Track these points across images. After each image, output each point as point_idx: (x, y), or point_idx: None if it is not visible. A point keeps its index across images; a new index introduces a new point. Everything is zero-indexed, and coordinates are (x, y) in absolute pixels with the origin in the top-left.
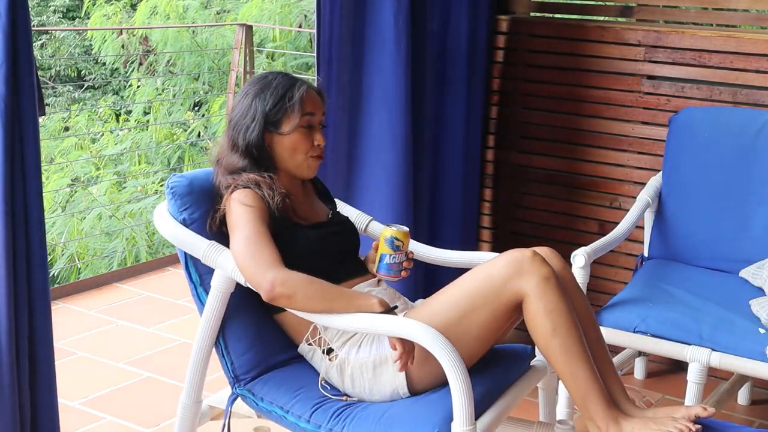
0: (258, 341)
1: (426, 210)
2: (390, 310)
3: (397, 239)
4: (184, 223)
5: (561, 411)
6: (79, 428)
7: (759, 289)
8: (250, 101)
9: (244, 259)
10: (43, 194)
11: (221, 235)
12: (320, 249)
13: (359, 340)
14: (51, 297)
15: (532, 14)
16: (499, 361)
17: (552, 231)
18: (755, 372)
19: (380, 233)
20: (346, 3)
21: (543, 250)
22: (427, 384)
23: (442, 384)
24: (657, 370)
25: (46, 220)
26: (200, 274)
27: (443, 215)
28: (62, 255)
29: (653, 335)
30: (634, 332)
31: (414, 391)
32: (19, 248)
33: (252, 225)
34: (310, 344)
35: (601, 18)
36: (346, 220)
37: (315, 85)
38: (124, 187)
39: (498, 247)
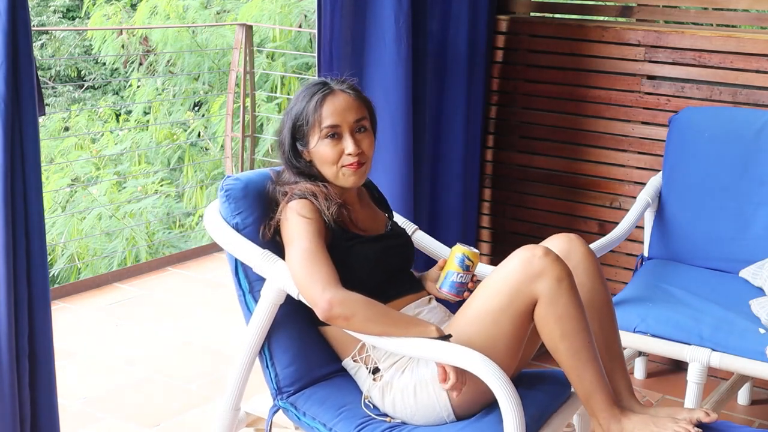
0: (303, 354)
1: (426, 210)
2: (445, 338)
3: (468, 259)
4: (237, 227)
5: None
6: (79, 428)
7: (759, 289)
8: (284, 119)
9: (301, 274)
10: (43, 194)
11: (273, 244)
12: (379, 264)
13: (404, 365)
14: (51, 297)
15: (532, 14)
16: (542, 388)
17: (552, 231)
18: (755, 372)
19: (451, 250)
20: (347, 3)
21: (569, 237)
22: (471, 407)
23: (485, 404)
24: (657, 370)
25: (46, 220)
26: (250, 282)
27: (443, 215)
28: (62, 255)
29: (653, 335)
30: (634, 332)
31: (458, 413)
32: (19, 248)
33: (309, 238)
34: (356, 361)
35: (601, 18)
36: (403, 233)
37: (346, 86)
38: (124, 187)
39: (498, 247)
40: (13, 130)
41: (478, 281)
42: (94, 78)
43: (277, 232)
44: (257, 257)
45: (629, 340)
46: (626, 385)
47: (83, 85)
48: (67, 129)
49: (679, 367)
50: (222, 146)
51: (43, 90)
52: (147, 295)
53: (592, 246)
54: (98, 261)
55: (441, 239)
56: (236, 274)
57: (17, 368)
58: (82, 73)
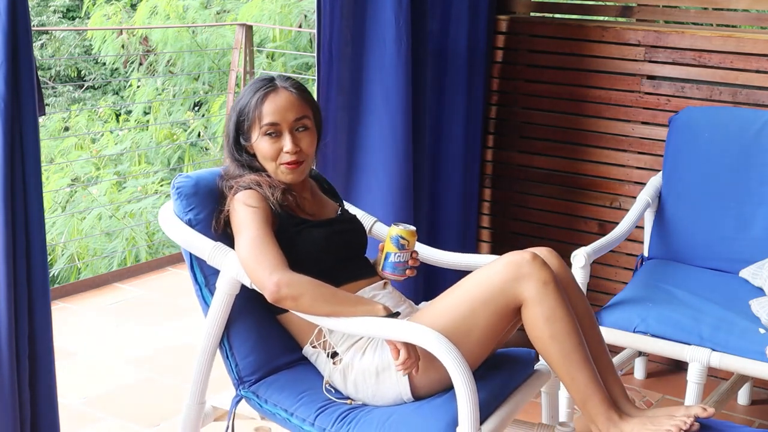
0: (262, 343)
1: (426, 210)
2: (393, 315)
3: (402, 238)
4: (190, 223)
5: (562, 412)
6: (79, 428)
7: (759, 289)
8: (231, 113)
9: (249, 260)
10: (43, 194)
11: (226, 236)
12: (327, 247)
13: (364, 346)
14: (51, 297)
15: (532, 14)
16: (503, 366)
17: (552, 231)
18: (755, 372)
19: (387, 232)
20: (347, 3)
21: (541, 251)
22: (430, 389)
23: (446, 389)
24: (657, 370)
25: (46, 220)
26: (205, 275)
27: (443, 215)
28: (62, 255)
29: (653, 335)
30: (634, 332)
31: (418, 397)
32: (19, 248)
33: (256, 226)
34: (314, 347)
35: (601, 18)
36: (354, 218)
37: (290, 84)
38: (124, 187)
39: (498, 247)
40: (13, 130)
41: (418, 259)
42: (94, 78)
43: (228, 224)
44: (209, 250)
45: (629, 340)
46: (621, 390)
47: (83, 85)
48: (67, 129)
49: (679, 367)
50: (222, 146)
51: (43, 90)
52: (147, 295)
53: (592, 246)
54: (98, 261)
55: (441, 239)
56: (192, 268)
57: (17, 368)
58: (82, 73)
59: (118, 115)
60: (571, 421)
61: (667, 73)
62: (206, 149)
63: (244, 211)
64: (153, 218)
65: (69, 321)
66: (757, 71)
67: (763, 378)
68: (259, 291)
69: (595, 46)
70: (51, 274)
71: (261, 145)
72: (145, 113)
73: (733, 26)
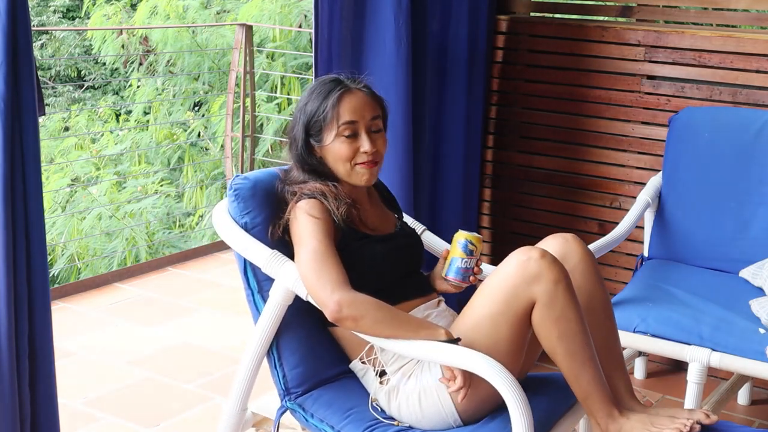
0: (311, 355)
1: (426, 210)
2: (454, 341)
3: (471, 243)
4: (245, 227)
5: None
6: (79, 428)
7: (759, 289)
8: (296, 116)
9: (310, 275)
10: (43, 194)
11: (281, 243)
12: (388, 263)
13: (411, 370)
14: (51, 297)
15: (532, 14)
16: (548, 392)
17: (552, 231)
18: (755, 372)
19: (453, 237)
20: (346, 3)
21: (565, 237)
22: (476, 411)
23: (491, 409)
24: (657, 370)
25: (46, 220)
26: (258, 281)
27: (443, 215)
28: (62, 255)
29: (653, 335)
30: (634, 332)
31: (464, 417)
32: (19, 248)
33: (319, 239)
34: (363, 363)
35: (601, 18)
36: (413, 233)
37: (362, 85)
38: (124, 187)
39: (498, 247)
40: (13, 130)
41: (481, 266)
42: (94, 78)
43: (287, 231)
44: (266, 257)
45: (629, 340)
46: (626, 385)
47: (83, 85)
48: (67, 129)
49: (679, 367)
50: (222, 146)
51: (43, 90)
52: (147, 295)
53: (592, 246)
54: (98, 261)
55: (441, 239)
56: (245, 273)
57: (17, 368)
58: (82, 73)
59: (118, 115)
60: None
61: (667, 73)
62: (206, 149)
63: (307, 221)
64: (153, 218)
65: (69, 321)
66: (757, 71)
67: (763, 378)
68: (314, 304)
69: (595, 46)
70: (51, 274)
71: (337, 145)
72: (145, 113)
73: (733, 26)
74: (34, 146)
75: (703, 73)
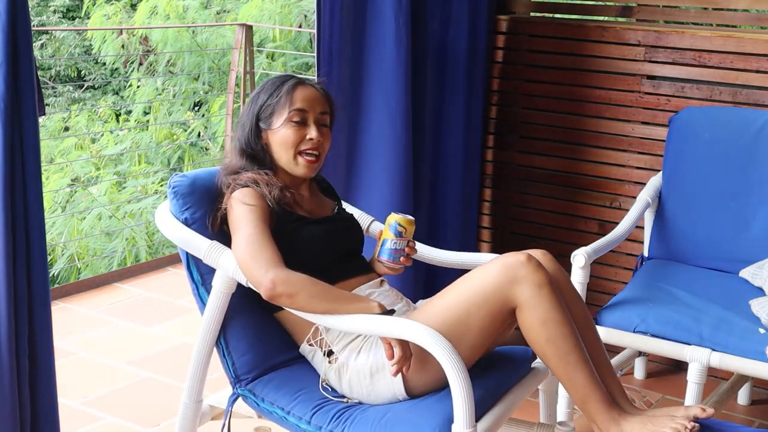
0: (259, 341)
1: (426, 210)
2: (388, 312)
3: (400, 225)
4: (186, 222)
5: (561, 411)
6: (79, 428)
7: (759, 289)
8: (248, 104)
9: (245, 258)
10: (43, 194)
11: (222, 235)
12: (324, 244)
13: (359, 346)
14: (51, 297)
15: (532, 14)
16: (500, 364)
17: (552, 231)
18: (755, 372)
19: (386, 219)
20: (347, 3)
21: (536, 253)
22: (425, 388)
23: (440, 388)
24: (657, 370)
25: (46, 220)
26: (202, 274)
27: (443, 215)
28: (62, 255)
29: (653, 335)
30: (634, 332)
31: (412, 396)
32: (19, 248)
33: (253, 224)
34: (311, 345)
35: (601, 18)
36: (350, 217)
37: (316, 83)
38: (124, 187)
39: (498, 247)
40: (13, 130)
41: (415, 259)
42: (94, 78)
43: (225, 222)
44: (205, 248)
45: (629, 340)
46: (619, 390)
47: (83, 85)
48: (67, 129)
49: (679, 367)
50: (222, 146)
51: (43, 90)
52: (147, 295)
53: (592, 246)
54: (98, 261)
55: (441, 239)
56: (188, 267)
57: (17, 368)
58: (82, 73)
59: (118, 115)
60: (570, 421)
61: (667, 73)
62: (206, 149)
63: (241, 209)
64: (153, 218)
65: (69, 321)
66: (757, 71)
67: (763, 378)
68: (255, 289)
69: (595, 46)
70: (51, 274)
71: (284, 131)
72: (145, 113)
73: (733, 26)
74: (34, 146)
75: (703, 73)
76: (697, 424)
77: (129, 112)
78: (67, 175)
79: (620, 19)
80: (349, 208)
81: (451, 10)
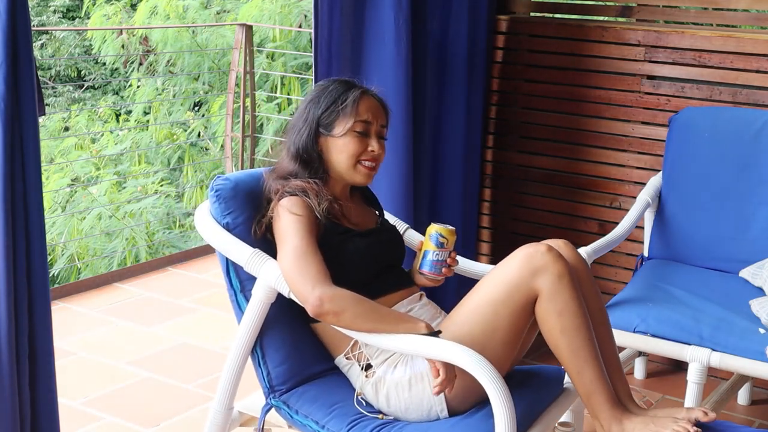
0: (295, 352)
1: (426, 210)
2: (434, 334)
3: (441, 236)
4: (227, 227)
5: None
6: (79, 428)
7: (759, 289)
8: (305, 106)
9: (292, 271)
10: (43, 194)
11: (264, 242)
12: (370, 257)
13: (396, 360)
14: (51, 297)
15: (532, 14)
16: (533, 383)
17: (552, 231)
18: (755, 372)
19: (426, 231)
20: (346, 3)
21: (557, 243)
22: (464, 402)
23: (479, 401)
24: (657, 370)
25: (46, 220)
26: (241, 281)
27: (443, 215)
28: (62, 255)
29: (653, 335)
30: (634, 332)
31: (450, 408)
32: (19, 248)
33: (300, 236)
34: (348, 358)
35: (601, 18)
36: (393, 229)
37: (377, 92)
38: (124, 187)
39: (498, 246)
40: (13, 130)
41: (456, 258)
42: (94, 78)
43: (269, 229)
44: (247, 256)
45: (629, 340)
46: (625, 389)
47: (83, 85)
48: (67, 129)
49: (679, 367)
50: (222, 146)
51: (43, 90)
52: (147, 295)
53: (592, 246)
54: (98, 261)
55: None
56: (227, 273)
57: (17, 368)
58: (82, 73)
59: (118, 115)
60: (573, 421)
61: (667, 73)
62: (206, 149)
63: (289, 219)
64: (153, 218)
65: (69, 321)
66: (757, 71)
67: (763, 378)
68: (296, 300)
69: (595, 46)
70: (51, 274)
71: (347, 139)
72: (145, 113)
73: (733, 26)
74: (34, 146)
75: (703, 73)
76: (699, 429)
77: (129, 112)
78: (67, 175)
79: (620, 19)
80: (386, 215)
81: (451, 9)
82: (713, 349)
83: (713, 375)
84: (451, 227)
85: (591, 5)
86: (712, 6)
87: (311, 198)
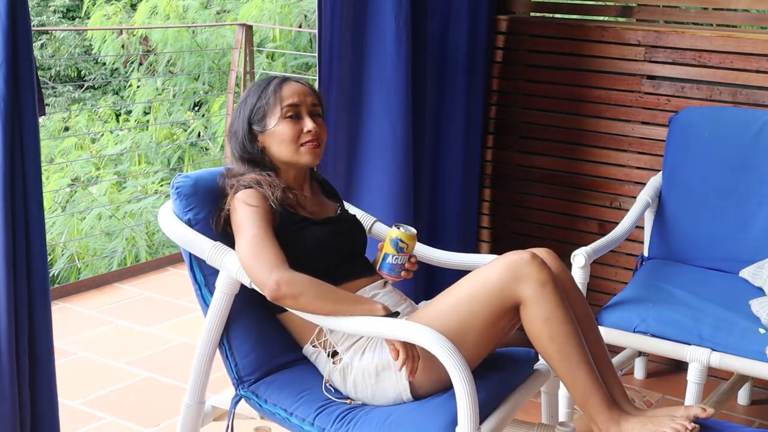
0: (262, 342)
1: (426, 210)
2: (392, 315)
3: (401, 241)
4: (189, 223)
5: (562, 412)
6: (79, 428)
7: (759, 289)
8: (237, 111)
9: (249, 259)
10: (43, 194)
11: (225, 236)
12: (327, 245)
13: (363, 346)
14: (51, 297)
15: (532, 14)
16: (503, 365)
17: (552, 231)
18: (755, 372)
19: (387, 233)
20: (347, 3)
21: (540, 252)
22: (430, 389)
23: (445, 389)
24: (657, 370)
25: (46, 220)
26: (205, 275)
27: (443, 215)
28: (62, 255)
29: (653, 335)
30: (634, 332)
31: (417, 396)
32: (19, 248)
33: (256, 225)
34: (314, 346)
35: (601, 18)
36: (353, 218)
37: (300, 78)
38: (124, 187)
39: (498, 246)
40: (13, 130)
41: (417, 261)
42: (94, 78)
43: (228, 223)
44: (209, 249)
45: (629, 340)
46: (620, 390)
47: (83, 85)
48: (67, 129)
49: (679, 367)
50: (222, 146)
51: (43, 90)
52: (147, 295)
53: (592, 246)
54: (98, 261)
55: (441, 239)
56: (191, 268)
57: (17, 368)
58: (82, 73)
59: (118, 115)
60: (571, 421)
61: (667, 73)
62: (206, 149)
63: (245, 210)
64: (153, 218)
65: (69, 321)
66: (757, 71)
67: (763, 378)
68: (258, 290)
69: (595, 46)
70: (51, 274)
71: (280, 128)
72: (145, 113)
73: (733, 26)
74: (34, 146)
75: (703, 73)
76: (697, 425)
77: (129, 112)
78: (67, 175)
79: (620, 19)
80: (351, 208)
81: (451, 9)
82: (713, 349)
83: (713, 375)
84: (412, 232)
85: (591, 5)
86: (712, 6)
87: (265, 188)
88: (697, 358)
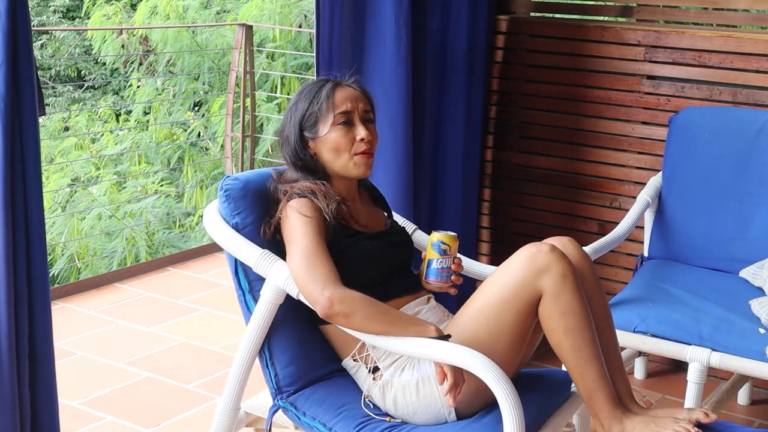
0: (302, 353)
1: (426, 210)
2: (443, 337)
3: (443, 243)
4: (236, 227)
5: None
6: (79, 428)
7: (759, 289)
8: (287, 116)
9: (301, 273)
10: (43, 194)
11: (273, 242)
12: (379, 260)
13: (403, 364)
14: (51, 297)
15: (532, 14)
16: (541, 387)
17: (552, 231)
18: (755, 372)
19: (428, 239)
20: (347, 3)
21: (562, 240)
22: (471, 405)
23: (487, 403)
24: (657, 370)
25: (46, 220)
26: (250, 281)
27: (443, 215)
28: (62, 255)
29: (653, 335)
30: (634, 332)
31: (459, 413)
32: (19, 248)
33: (310, 237)
34: (356, 360)
35: (601, 18)
36: (402, 231)
37: (351, 81)
38: (124, 187)
39: (498, 246)
40: (13, 130)
41: (461, 264)
42: (94, 78)
43: (278, 230)
44: (256, 257)
45: (629, 340)
46: (626, 388)
47: (83, 85)
48: (67, 129)
49: (679, 367)
50: (222, 146)
51: (43, 90)
52: (147, 295)
53: (592, 246)
54: (98, 261)
55: None
56: (236, 274)
57: (17, 368)
58: (82, 73)
59: (118, 115)
60: (578, 426)
61: (667, 73)
62: (206, 149)
63: (298, 220)
64: (153, 218)
65: (69, 321)
66: (757, 71)
67: (763, 378)
68: (305, 302)
69: (595, 46)
70: (51, 274)
71: (333, 136)
72: (145, 113)
73: (733, 26)
74: (34, 146)
75: (703, 73)
76: (699, 430)
77: (129, 112)
78: (67, 175)
79: (620, 19)
80: (394, 216)
81: (451, 9)
82: (713, 349)
83: (713, 375)
84: (452, 233)
85: (591, 5)
86: (712, 6)
87: (320, 200)
88: (697, 358)
